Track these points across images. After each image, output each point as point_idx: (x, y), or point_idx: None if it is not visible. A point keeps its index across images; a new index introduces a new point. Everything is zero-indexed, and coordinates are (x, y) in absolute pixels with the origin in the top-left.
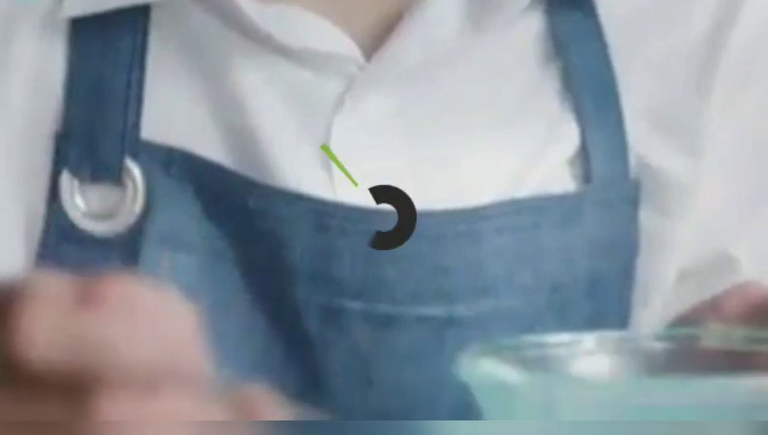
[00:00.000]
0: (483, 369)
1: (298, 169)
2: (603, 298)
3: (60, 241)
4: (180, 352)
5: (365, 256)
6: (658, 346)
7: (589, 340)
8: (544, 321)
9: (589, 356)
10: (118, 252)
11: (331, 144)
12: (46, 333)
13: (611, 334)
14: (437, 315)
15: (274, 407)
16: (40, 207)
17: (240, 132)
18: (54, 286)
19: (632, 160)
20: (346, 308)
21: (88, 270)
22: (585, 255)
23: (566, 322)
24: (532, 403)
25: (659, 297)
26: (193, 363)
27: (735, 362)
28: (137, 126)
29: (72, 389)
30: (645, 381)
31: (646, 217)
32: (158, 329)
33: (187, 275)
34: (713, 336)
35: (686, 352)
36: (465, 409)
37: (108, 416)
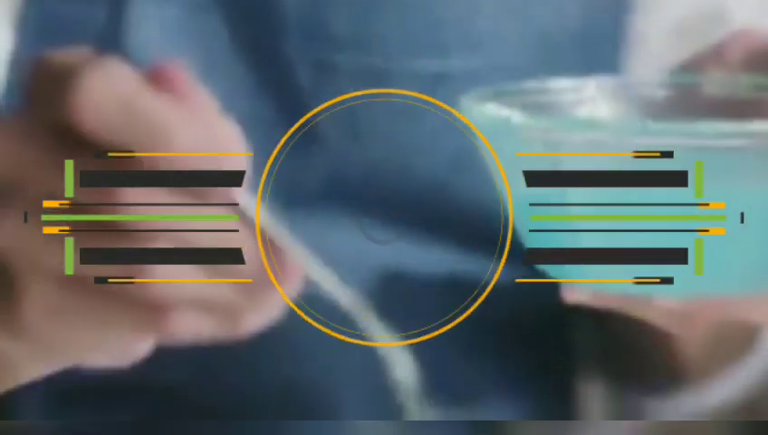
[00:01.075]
0: (485, 112)
1: None
2: (595, 52)
3: None
4: (228, 167)
5: (359, 7)
6: (660, 93)
7: (590, 86)
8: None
9: (590, 102)
10: (103, 5)
11: None
12: (110, 103)
13: (612, 80)
14: (430, 70)
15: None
16: None
17: None
18: (121, 66)
19: None
20: (339, 63)
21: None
22: (576, 6)
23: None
24: (533, 145)
25: (654, 48)
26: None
27: (737, 109)
28: None
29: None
30: (647, 123)
31: None
32: (211, 129)
33: (173, 30)
34: (715, 83)
35: (687, 99)
36: (463, 157)
37: (127, 199)
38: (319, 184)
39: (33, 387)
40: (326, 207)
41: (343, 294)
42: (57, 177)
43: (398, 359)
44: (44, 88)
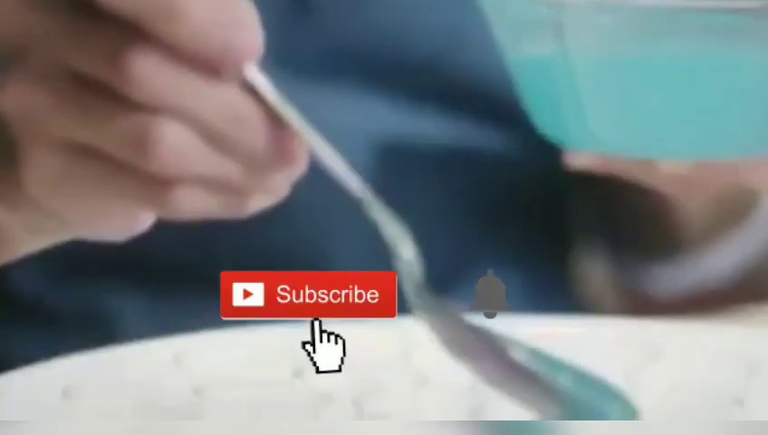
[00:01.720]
0: None
1: None
2: None
3: None
4: (240, 41)
5: None
6: None
7: None
8: None
9: None
10: None
11: None
12: None
13: None
14: None
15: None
16: None
17: None
18: None
19: None
20: None
21: None
22: None
23: None
24: (536, 6)
25: None
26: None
27: None
28: None
29: (122, 36)
30: None
31: None
32: (229, 14)
33: None
34: None
35: None
36: (465, 23)
37: (137, 72)
38: (317, 54)
39: (30, 259)
40: (324, 77)
41: (350, 177)
42: (64, 42)
43: (402, 243)
44: None
